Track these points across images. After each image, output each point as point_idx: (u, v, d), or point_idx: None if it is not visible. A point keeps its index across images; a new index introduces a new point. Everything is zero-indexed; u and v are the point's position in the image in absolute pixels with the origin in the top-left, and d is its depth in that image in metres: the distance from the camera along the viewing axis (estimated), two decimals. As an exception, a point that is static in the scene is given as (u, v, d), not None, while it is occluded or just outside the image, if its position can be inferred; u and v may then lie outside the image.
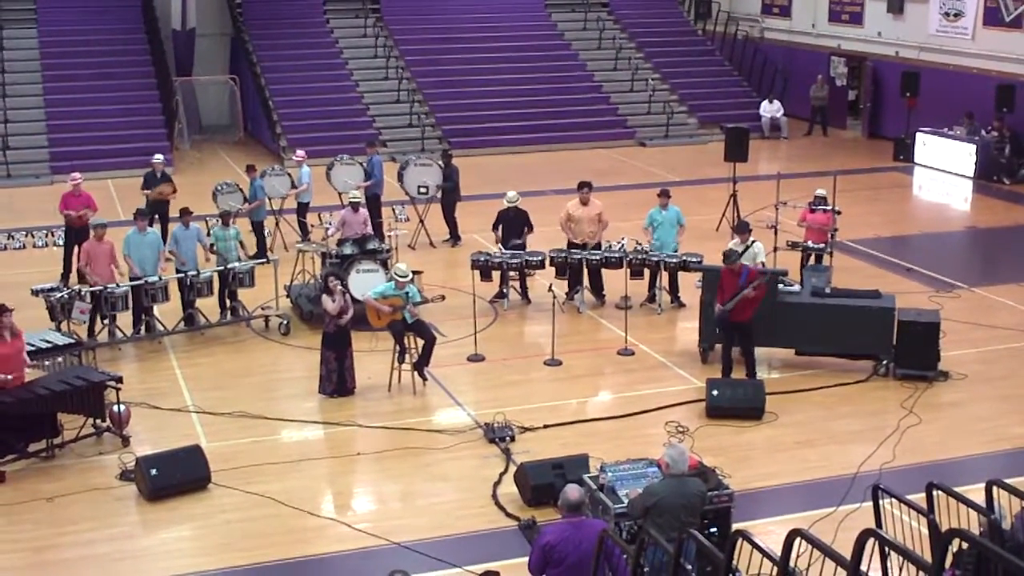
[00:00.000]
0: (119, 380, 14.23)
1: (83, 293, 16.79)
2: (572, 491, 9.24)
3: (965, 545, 7.85)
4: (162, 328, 17.60)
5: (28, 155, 29.85)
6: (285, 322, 17.98)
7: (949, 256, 22.77)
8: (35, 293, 16.93)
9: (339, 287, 15.48)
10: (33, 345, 14.74)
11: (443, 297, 16.59)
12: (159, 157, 22.15)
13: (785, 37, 38.20)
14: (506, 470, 13.23)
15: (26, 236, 23.42)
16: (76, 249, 18.80)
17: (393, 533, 11.95)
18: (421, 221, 22.88)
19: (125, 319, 17.43)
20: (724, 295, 15.33)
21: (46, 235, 23.08)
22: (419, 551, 11.57)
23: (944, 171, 29.64)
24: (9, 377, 13.53)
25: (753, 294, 15.19)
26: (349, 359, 15.52)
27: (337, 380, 15.40)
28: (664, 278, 18.81)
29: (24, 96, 31.73)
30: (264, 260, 19.01)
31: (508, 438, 13.99)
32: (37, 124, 30.99)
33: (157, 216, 21.01)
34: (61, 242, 20.96)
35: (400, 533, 11.96)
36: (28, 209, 25.05)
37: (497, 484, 12.96)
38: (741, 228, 17.50)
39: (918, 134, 30.69)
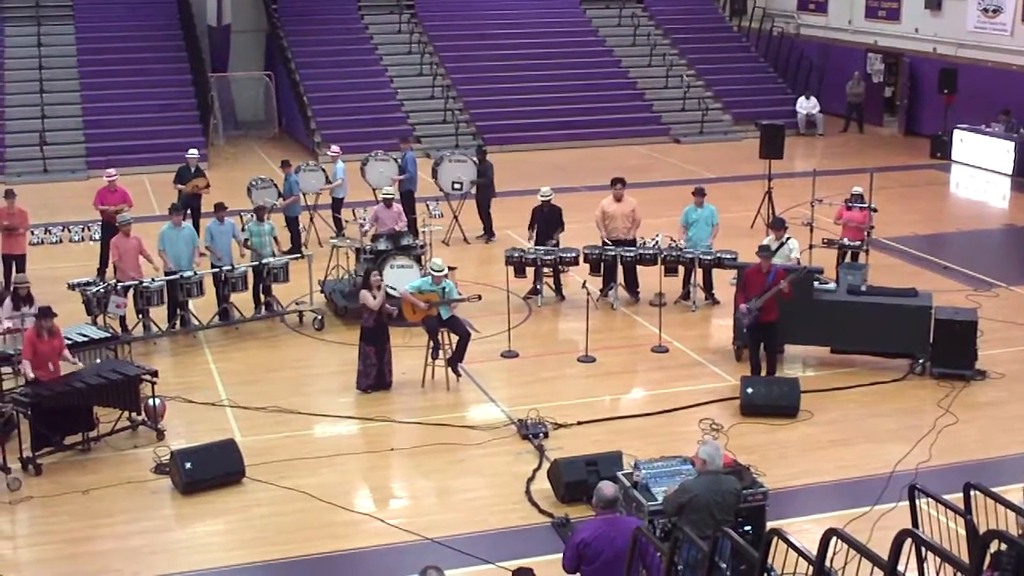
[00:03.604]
0: (154, 374, 14.30)
1: (119, 287, 16.88)
2: (607, 488, 9.21)
3: (1004, 547, 7.76)
4: (197, 322, 17.68)
5: (65, 151, 30.06)
6: (319, 317, 18.03)
7: (987, 254, 22.55)
8: (71, 287, 17.02)
9: (381, 283, 15.47)
10: (69, 339, 14.83)
11: (479, 297, 16.58)
12: (193, 152, 22.28)
13: (821, 33, 37.97)
14: (539, 466, 13.21)
15: (63, 231, 23.58)
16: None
17: (426, 529, 11.95)
18: (455, 217, 22.88)
19: (160, 313, 17.51)
20: (747, 294, 15.20)
21: (82, 230, 23.24)
22: (452, 547, 11.57)
23: (982, 168, 29.40)
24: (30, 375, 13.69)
25: (786, 289, 15.04)
26: (388, 354, 15.54)
27: (376, 375, 15.42)
28: (698, 275, 18.74)
29: (61, 92, 31.96)
30: (298, 255, 19.06)
31: (542, 434, 13.97)
32: (74, 120, 31.20)
33: (189, 211, 21.06)
34: (98, 236, 21.11)
35: (433, 529, 11.96)
36: (65, 204, 25.21)
37: (530, 480, 12.94)
38: (777, 224, 17.42)
39: (955, 131, 30.44)
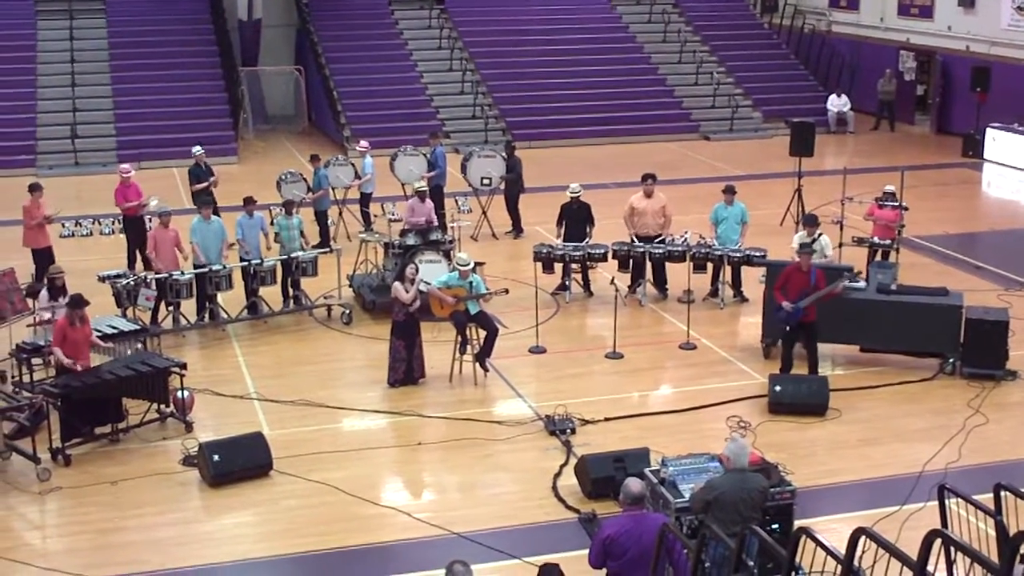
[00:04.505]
0: (183, 366, 14.38)
1: (149, 280, 16.96)
2: (634, 484, 9.20)
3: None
4: (225, 316, 17.75)
5: (96, 143, 30.23)
6: (347, 311, 18.06)
7: (1019, 254, 22.29)
8: (102, 280, 17.13)
9: (416, 277, 15.44)
10: (99, 331, 14.92)
11: (507, 291, 16.56)
12: (199, 149, 21.96)
13: (853, 31, 37.77)
14: (566, 462, 13.19)
15: (93, 223, 23.71)
16: (135, 238, 19.54)
17: (453, 523, 11.97)
18: (484, 212, 22.89)
19: (189, 306, 17.59)
20: (789, 294, 15.09)
21: (113, 223, 23.32)
22: (478, 542, 11.57)
23: (1014, 167, 29.18)
24: (77, 365, 13.79)
25: (840, 291, 14.98)
26: (418, 348, 15.54)
27: (405, 370, 15.43)
28: (727, 272, 18.68)
29: (93, 85, 32.15)
30: (327, 250, 19.11)
31: (569, 430, 13.96)
32: (105, 113, 31.39)
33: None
34: (123, 231, 21.14)
35: (460, 523, 11.96)
36: (95, 197, 25.32)
37: (557, 476, 12.93)
38: (809, 221, 17.33)
39: (988, 130, 30.26)
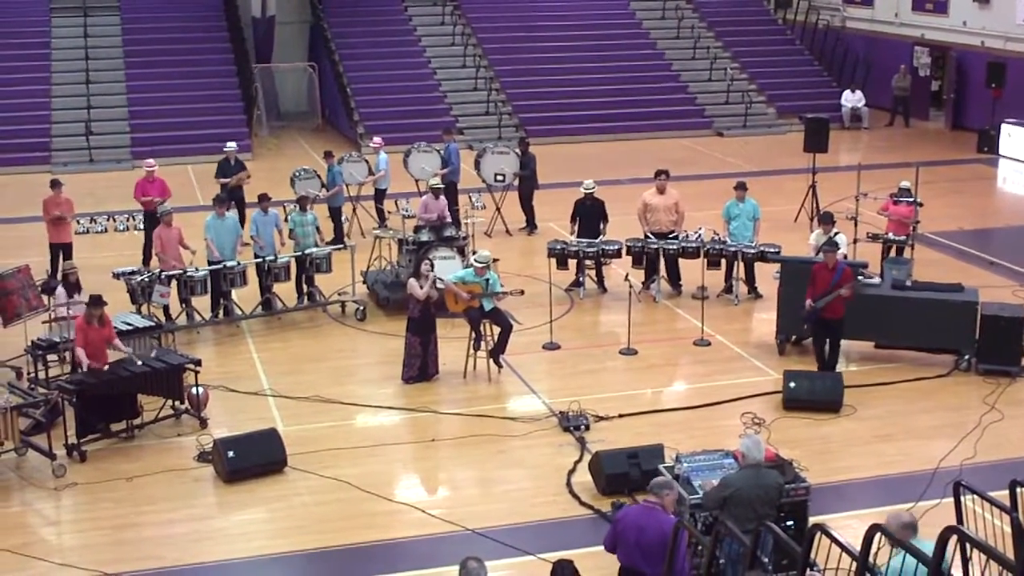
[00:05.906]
0: (198, 363, 14.40)
1: (163, 277, 17.00)
2: (659, 477, 9.35)
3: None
4: (240, 312, 17.77)
5: (110, 140, 30.32)
6: (361, 308, 18.07)
7: (1034, 250, 22.29)
8: (116, 276, 17.16)
9: (431, 274, 15.43)
10: (115, 327, 14.94)
11: (522, 292, 16.52)
12: (232, 145, 22.29)
13: (867, 26, 37.65)
14: (580, 459, 13.18)
15: (108, 220, 23.77)
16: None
17: (467, 520, 11.97)
18: (498, 209, 22.88)
19: (204, 303, 17.61)
20: (815, 291, 15.07)
21: (127, 219, 23.40)
22: (493, 538, 11.57)
23: (1029, 163, 29.13)
24: (84, 365, 13.80)
25: (848, 294, 14.97)
26: (433, 344, 15.54)
27: (420, 366, 15.43)
28: (741, 269, 18.65)
29: (107, 83, 32.24)
30: (341, 246, 19.12)
31: (583, 427, 13.95)
32: (119, 110, 31.46)
33: (234, 202, 21.13)
34: (142, 227, 21.20)
35: (474, 520, 11.97)
36: (110, 194, 25.40)
37: (571, 473, 12.92)
38: (825, 219, 17.28)
39: (1003, 125, 30.13)
